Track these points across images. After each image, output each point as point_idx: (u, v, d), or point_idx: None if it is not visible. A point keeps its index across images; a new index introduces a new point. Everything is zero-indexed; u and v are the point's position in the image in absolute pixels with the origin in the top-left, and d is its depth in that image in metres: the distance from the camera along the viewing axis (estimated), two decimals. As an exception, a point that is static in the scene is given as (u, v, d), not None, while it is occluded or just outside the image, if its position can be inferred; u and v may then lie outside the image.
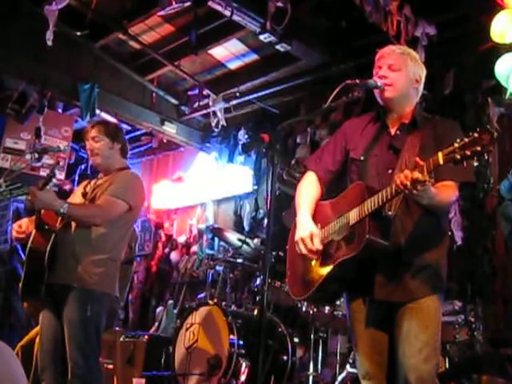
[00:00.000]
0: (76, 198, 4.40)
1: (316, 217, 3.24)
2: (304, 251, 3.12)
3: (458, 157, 2.51)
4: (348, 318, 3.27)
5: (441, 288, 3.10)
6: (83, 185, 4.49)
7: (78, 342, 3.98)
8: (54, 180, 4.07)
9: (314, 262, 3.16)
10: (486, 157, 2.45)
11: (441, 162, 2.58)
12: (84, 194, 4.34)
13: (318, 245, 3.10)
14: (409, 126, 3.18)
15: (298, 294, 3.29)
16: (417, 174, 2.62)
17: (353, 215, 2.98)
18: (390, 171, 2.86)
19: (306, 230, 3.16)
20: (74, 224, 4.12)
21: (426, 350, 2.94)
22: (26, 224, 4.24)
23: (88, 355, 4.01)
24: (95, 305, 4.06)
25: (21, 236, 4.23)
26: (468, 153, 2.48)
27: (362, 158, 3.22)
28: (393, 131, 3.21)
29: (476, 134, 2.48)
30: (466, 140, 2.50)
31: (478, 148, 2.46)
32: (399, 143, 3.10)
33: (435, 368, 3.01)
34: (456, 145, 2.52)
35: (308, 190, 3.38)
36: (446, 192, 2.95)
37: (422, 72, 3.26)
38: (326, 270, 3.05)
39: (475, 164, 2.55)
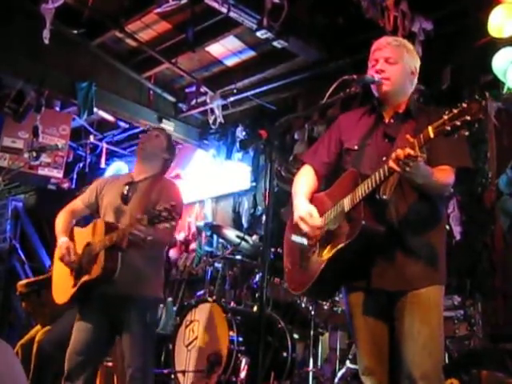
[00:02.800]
0: (113, 199, 4.40)
1: None
2: (306, 229, 3.12)
3: (448, 128, 2.49)
4: (347, 313, 3.25)
5: (441, 278, 3.08)
6: (115, 184, 4.48)
7: (140, 348, 4.11)
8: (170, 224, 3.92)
9: (311, 254, 3.15)
10: (477, 125, 2.43)
11: (431, 135, 2.56)
12: (124, 199, 4.35)
13: (318, 221, 3.10)
14: (403, 116, 3.18)
15: (297, 288, 3.27)
16: (408, 150, 2.60)
17: (347, 202, 2.97)
18: (384, 159, 2.84)
19: (303, 209, 3.17)
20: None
21: (429, 344, 2.93)
22: (71, 247, 4.26)
23: (147, 360, 4.16)
24: (152, 311, 4.26)
25: (74, 264, 4.24)
26: (458, 123, 2.46)
27: (356, 147, 3.22)
28: (387, 120, 3.21)
29: (464, 104, 2.46)
30: (455, 111, 2.48)
31: (468, 117, 2.44)
32: (393, 131, 3.10)
33: (440, 362, 3.00)
34: (445, 117, 2.50)
35: (304, 179, 3.40)
36: (442, 173, 2.94)
37: (417, 63, 3.27)
38: (323, 261, 3.03)
39: (466, 133, 2.51)
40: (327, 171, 3.41)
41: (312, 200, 3.29)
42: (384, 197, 2.91)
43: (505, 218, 5.97)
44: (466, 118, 2.44)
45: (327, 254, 3.02)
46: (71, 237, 4.38)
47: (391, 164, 2.68)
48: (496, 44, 5.65)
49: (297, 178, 3.45)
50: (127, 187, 4.39)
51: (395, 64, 3.15)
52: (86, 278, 4.11)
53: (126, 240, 4.03)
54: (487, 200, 6.14)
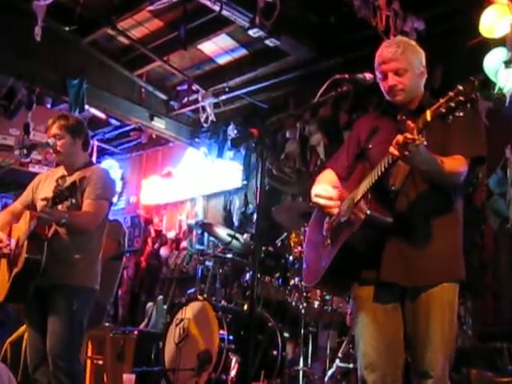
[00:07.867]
0: (47, 194, 4.22)
1: None
2: (323, 202, 3.13)
3: (444, 110, 2.53)
4: (353, 307, 3.25)
5: (456, 274, 3.06)
6: (50, 179, 4.41)
7: (61, 336, 4.01)
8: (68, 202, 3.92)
9: (324, 248, 3.17)
10: (469, 105, 2.49)
11: (428, 118, 2.59)
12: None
13: (333, 192, 3.13)
14: (415, 111, 3.14)
15: (310, 280, 3.31)
16: (406, 134, 2.63)
17: (356, 193, 2.99)
18: None
19: (318, 186, 3.22)
20: (61, 230, 4.11)
21: (444, 345, 2.96)
22: (4, 237, 4.21)
23: (70, 348, 4.06)
24: (80, 300, 4.11)
25: (7, 250, 4.20)
26: (452, 104, 2.50)
27: (370, 146, 3.23)
28: (399, 117, 3.19)
29: (459, 86, 2.50)
30: (451, 93, 2.51)
31: (462, 98, 2.48)
32: (405, 127, 3.12)
33: (450, 363, 3.02)
34: (442, 100, 2.54)
35: (324, 177, 3.42)
36: (452, 162, 2.93)
37: (423, 58, 3.22)
38: (333, 253, 3.05)
39: (461, 114, 2.56)
40: (348, 174, 3.40)
41: None
42: (393, 187, 2.95)
43: (495, 218, 6.00)
44: (459, 99, 2.48)
45: (337, 246, 3.04)
46: (9, 234, 4.31)
47: (391, 149, 2.71)
48: (487, 44, 5.66)
49: (318, 178, 3.46)
50: (59, 181, 4.32)
51: (405, 73, 3.12)
52: (15, 270, 4.04)
53: (44, 227, 4.02)
54: (478, 200, 6.15)
